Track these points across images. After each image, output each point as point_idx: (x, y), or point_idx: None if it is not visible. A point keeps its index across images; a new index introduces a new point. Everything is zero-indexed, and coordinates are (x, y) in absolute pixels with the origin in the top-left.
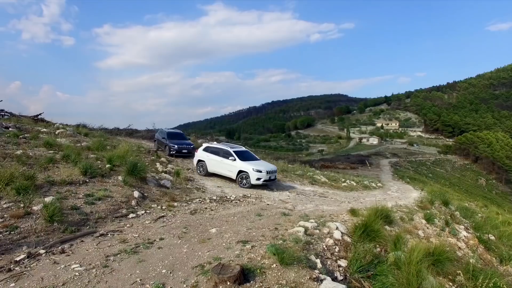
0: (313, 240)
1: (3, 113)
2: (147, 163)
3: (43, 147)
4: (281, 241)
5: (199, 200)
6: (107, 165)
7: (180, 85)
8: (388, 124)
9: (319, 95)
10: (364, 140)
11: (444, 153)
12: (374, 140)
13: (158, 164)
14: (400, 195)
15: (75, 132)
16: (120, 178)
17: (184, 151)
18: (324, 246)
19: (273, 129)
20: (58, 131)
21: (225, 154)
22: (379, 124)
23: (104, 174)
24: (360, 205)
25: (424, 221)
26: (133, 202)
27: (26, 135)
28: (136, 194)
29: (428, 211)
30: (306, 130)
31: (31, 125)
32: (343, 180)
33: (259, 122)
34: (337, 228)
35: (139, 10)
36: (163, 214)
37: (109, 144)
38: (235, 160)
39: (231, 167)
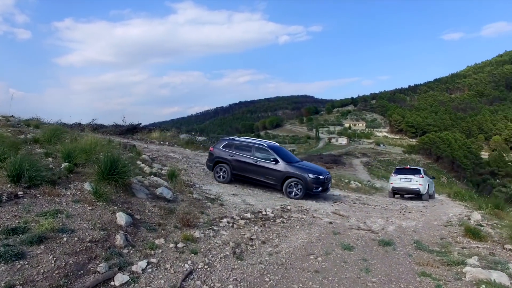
0: None
1: None
2: (127, 162)
3: None
4: None
5: (228, 222)
6: (64, 164)
7: (147, 84)
8: (356, 124)
9: (286, 96)
10: (333, 140)
11: (408, 152)
12: (343, 140)
13: (141, 163)
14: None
15: (21, 123)
16: (87, 186)
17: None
18: None
19: (241, 129)
20: None
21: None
22: (346, 125)
23: (57, 180)
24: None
25: None
26: (119, 239)
27: None
28: (122, 218)
29: None
30: (275, 130)
31: None
32: (346, 181)
33: (227, 122)
34: None
35: (104, 5)
36: (187, 267)
37: (68, 137)
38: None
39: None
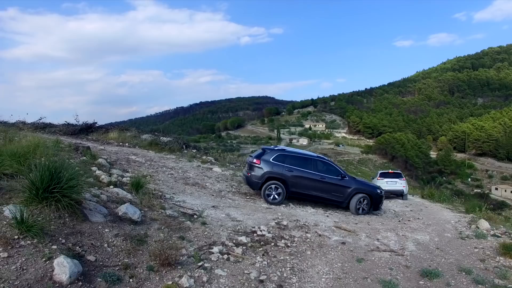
0: None
1: None
2: (78, 168)
3: None
4: None
5: (220, 252)
6: None
7: (103, 83)
8: (316, 125)
9: (247, 97)
10: (294, 141)
11: (366, 152)
12: (304, 141)
13: (97, 170)
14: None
15: None
16: (8, 212)
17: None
18: None
19: (202, 130)
20: None
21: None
22: (307, 126)
23: None
24: (425, 226)
25: None
26: None
27: None
28: (63, 269)
29: None
30: (237, 131)
31: None
32: None
33: (187, 122)
34: None
35: None
36: None
37: (1, 137)
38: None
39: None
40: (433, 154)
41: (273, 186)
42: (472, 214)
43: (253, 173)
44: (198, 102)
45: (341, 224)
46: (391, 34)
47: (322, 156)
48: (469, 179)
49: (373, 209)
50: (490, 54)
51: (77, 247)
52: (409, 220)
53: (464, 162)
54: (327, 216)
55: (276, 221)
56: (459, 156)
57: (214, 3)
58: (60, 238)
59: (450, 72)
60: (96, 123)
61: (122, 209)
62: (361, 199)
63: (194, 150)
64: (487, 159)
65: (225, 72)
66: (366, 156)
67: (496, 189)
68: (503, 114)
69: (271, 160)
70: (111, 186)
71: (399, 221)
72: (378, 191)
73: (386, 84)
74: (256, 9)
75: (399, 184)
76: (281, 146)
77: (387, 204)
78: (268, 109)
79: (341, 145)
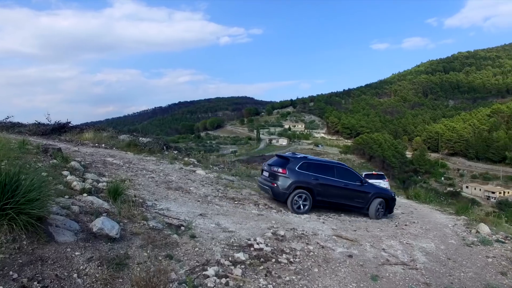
0: None
1: None
2: (45, 173)
3: None
4: None
5: (217, 274)
6: None
7: (78, 81)
8: (295, 126)
9: (226, 97)
10: (274, 141)
11: (344, 153)
12: (283, 141)
13: (68, 175)
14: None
15: None
16: None
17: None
18: None
19: (181, 130)
20: None
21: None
22: (286, 126)
23: None
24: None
25: None
26: None
27: None
28: None
29: None
30: (216, 131)
31: None
32: None
33: (166, 122)
34: None
35: None
36: None
37: None
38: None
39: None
40: (408, 154)
41: (300, 195)
42: (463, 216)
43: (279, 183)
44: (177, 102)
45: (341, 232)
46: (368, 37)
47: (342, 163)
48: (442, 178)
49: (388, 212)
50: (460, 58)
51: (35, 283)
52: (406, 225)
53: (438, 162)
54: (323, 222)
55: (271, 230)
56: (433, 156)
57: (193, 2)
58: (11, 272)
59: (424, 75)
60: (69, 122)
61: (97, 224)
62: (380, 204)
63: (176, 152)
64: (458, 159)
65: (204, 72)
66: (344, 156)
67: (467, 187)
68: (472, 115)
69: (296, 169)
70: (85, 194)
71: (396, 225)
72: (393, 194)
73: (363, 85)
74: (235, 9)
75: (382, 185)
76: (302, 154)
77: None
78: (247, 109)
79: (320, 145)
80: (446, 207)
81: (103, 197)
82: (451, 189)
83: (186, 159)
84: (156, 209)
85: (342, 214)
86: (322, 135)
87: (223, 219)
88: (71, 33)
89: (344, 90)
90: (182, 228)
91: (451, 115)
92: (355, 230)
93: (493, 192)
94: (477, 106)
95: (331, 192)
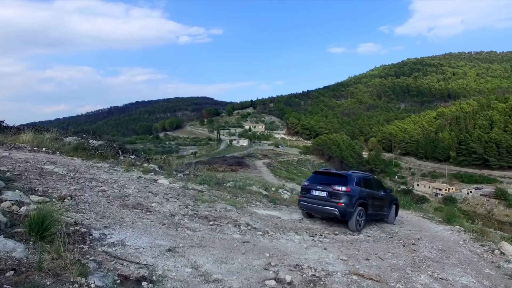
0: None
1: None
2: None
3: None
4: None
5: None
6: None
7: (24, 77)
8: (255, 126)
9: (186, 97)
10: (234, 142)
11: (304, 153)
12: (244, 142)
13: None
14: None
15: None
16: None
17: None
18: None
19: (139, 131)
20: None
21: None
22: (247, 127)
23: None
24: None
25: None
26: None
27: None
28: None
29: None
30: (175, 132)
31: None
32: (273, 189)
33: (122, 123)
34: None
35: None
36: None
37: None
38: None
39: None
40: (365, 154)
41: (359, 212)
42: (458, 227)
43: (345, 202)
44: (134, 101)
45: (355, 264)
46: (326, 41)
47: (370, 174)
48: (396, 177)
49: (395, 215)
50: (409, 64)
51: None
52: (413, 244)
53: (392, 161)
54: (324, 248)
55: (271, 272)
56: (387, 155)
57: None
58: None
59: (378, 79)
60: (3, 121)
61: None
62: (395, 209)
63: (133, 156)
64: (410, 158)
65: (163, 71)
66: (304, 156)
67: (418, 185)
68: (421, 117)
69: (355, 185)
70: None
71: (404, 245)
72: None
73: (321, 87)
74: (195, 8)
75: None
76: (351, 171)
77: None
78: (207, 110)
79: (280, 146)
80: (430, 213)
81: (19, 234)
82: (404, 187)
83: (145, 165)
84: (105, 245)
85: (337, 231)
86: (282, 135)
87: (200, 255)
88: (14, 24)
89: (303, 91)
90: (144, 284)
91: (403, 117)
92: (367, 259)
93: (440, 189)
94: (424, 109)
95: (376, 204)
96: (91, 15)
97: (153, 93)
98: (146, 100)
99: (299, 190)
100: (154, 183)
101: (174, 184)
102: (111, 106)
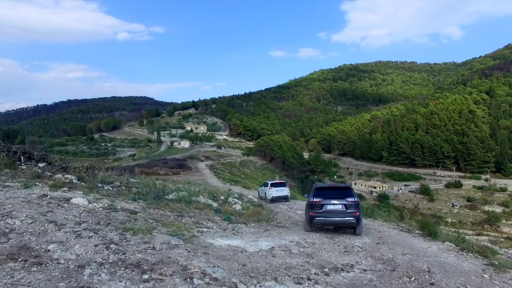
0: None
1: None
2: None
3: None
4: None
5: None
6: None
7: None
8: (197, 127)
9: (124, 97)
10: (175, 144)
11: (247, 154)
12: (185, 144)
13: None
14: None
15: None
16: None
17: None
18: None
19: (70, 131)
20: None
21: None
22: (188, 128)
23: None
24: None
25: None
26: None
27: None
28: None
29: None
30: (112, 133)
31: None
32: (222, 198)
33: (51, 123)
34: None
35: None
36: None
37: None
38: None
39: None
40: (306, 155)
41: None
42: (448, 243)
43: (359, 211)
44: (65, 100)
45: None
46: (267, 44)
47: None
48: (335, 176)
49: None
50: (345, 70)
51: None
52: (431, 284)
53: (331, 162)
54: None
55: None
56: (327, 156)
57: None
58: None
59: (317, 82)
60: None
61: None
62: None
63: (43, 165)
64: (347, 159)
65: (99, 69)
66: (247, 158)
67: (355, 184)
68: (357, 120)
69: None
70: None
71: (410, 281)
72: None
73: (263, 89)
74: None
75: (285, 191)
76: (324, 183)
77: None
78: (147, 110)
79: (223, 147)
80: (401, 223)
81: None
82: None
83: (59, 176)
84: None
85: (325, 268)
86: (225, 137)
87: None
88: None
89: (245, 93)
90: None
91: (340, 119)
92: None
93: (375, 187)
94: (360, 112)
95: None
96: (12, 1)
97: (87, 91)
98: (80, 98)
99: (250, 196)
100: (65, 205)
101: (95, 204)
102: (37, 104)
